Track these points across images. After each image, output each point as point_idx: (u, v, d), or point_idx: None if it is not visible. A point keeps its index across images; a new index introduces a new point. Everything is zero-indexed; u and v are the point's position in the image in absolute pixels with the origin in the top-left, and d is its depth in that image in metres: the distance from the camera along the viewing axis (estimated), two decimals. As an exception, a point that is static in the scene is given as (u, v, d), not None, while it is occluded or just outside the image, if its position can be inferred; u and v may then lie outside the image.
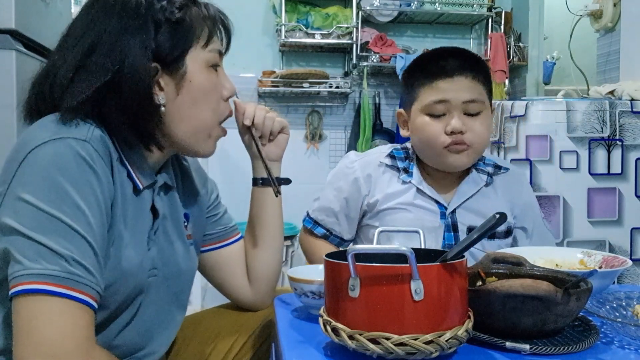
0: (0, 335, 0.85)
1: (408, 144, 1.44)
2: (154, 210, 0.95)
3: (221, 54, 0.99)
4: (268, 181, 1.15)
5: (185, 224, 1.05)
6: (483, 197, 1.38)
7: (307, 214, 1.48)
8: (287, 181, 1.18)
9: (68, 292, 0.75)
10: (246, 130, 1.13)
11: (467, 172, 1.39)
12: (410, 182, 1.37)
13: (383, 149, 1.45)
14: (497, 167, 1.42)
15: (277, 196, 1.14)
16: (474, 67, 1.31)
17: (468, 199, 1.36)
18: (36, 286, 0.74)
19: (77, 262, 0.76)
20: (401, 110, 1.42)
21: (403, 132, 1.42)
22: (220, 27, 0.98)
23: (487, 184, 1.39)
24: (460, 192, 1.37)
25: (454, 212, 1.35)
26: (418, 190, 1.36)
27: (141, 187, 0.91)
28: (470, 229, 1.34)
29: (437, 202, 1.36)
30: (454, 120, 1.28)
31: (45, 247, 0.75)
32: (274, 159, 1.17)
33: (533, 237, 1.44)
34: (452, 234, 1.35)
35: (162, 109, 0.90)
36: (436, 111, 1.30)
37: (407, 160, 1.41)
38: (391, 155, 1.41)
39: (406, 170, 1.39)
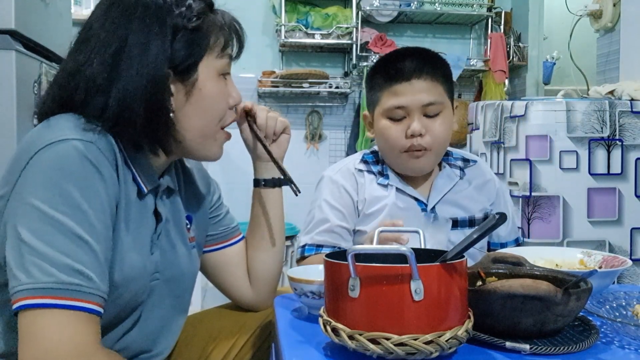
0: (0, 339, 0.86)
1: (376, 147, 1.46)
2: (156, 214, 0.95)
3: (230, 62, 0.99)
4: (271, 182, 1.15)
5: (188, 226, 1.05)
6: (459, 190, 1.41)
7: (304, 245, 1.40)
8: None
9: (64, 302, 0.75)
10: (248, 130, 1.12)
11: (439, 167, 1.43)
12: (388, 183, 1.39)
13: (353, 157, 1.47)
14: (466, 161, 1.46)
15: (297, 195, 1.14)
16: (432, 67, 1.33)
17: (446, 193, 1.39)
18: (33, 301, 0.74)
19: (74, 270, 0.76)
20: (366, 112, 1.44)
21: (368, 134, 1.45)
22: (234, 36, 0.98)
23: (460, 178, 1.42)
24: (437, 187, 1.40)
25: (433, 207, 1.38)
26: (397, 189, 1.38)
27: (145, 190, 0.91)
28: (451, 222, 1.37)
29: (416, 199, 1.38)
30: (414, 124, 1.31)
31: (42, 255, 0.75)
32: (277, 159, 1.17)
33: (509, 221, 1.49)
34: None
35: (171, 114, 0.90)
36: (396, 115, 1.33)
37: (379, 164, 1.43)
38: (364, 161, 1.44)
39: (381, 173, 1.41)
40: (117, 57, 0.85)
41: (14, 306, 0.75)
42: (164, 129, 0.89)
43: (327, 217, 1.38)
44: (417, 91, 1.31)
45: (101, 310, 0.79)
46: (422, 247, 0.93)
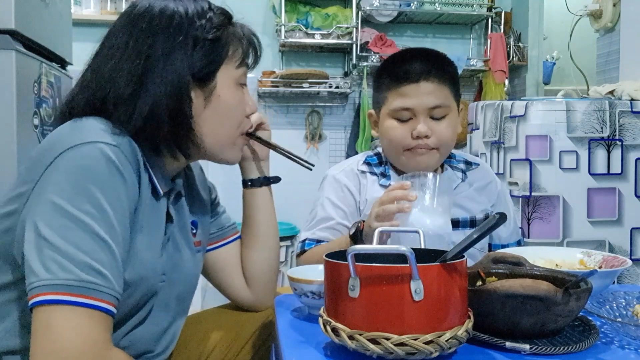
0: (16, 336, 0.86)
1: (379, 148, 1.46)
2: (168, 216, 0.96)
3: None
4: (257, 182, 1.17)
5: (194, 231, 1.07)
6: (460, 192, 1.42)
7: (305, 239, 1.41)
8: (277, 179, 1.20)
9: (81, 300, 0.75)
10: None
11: (441, 169, 1.43)
12: (390, 184, 1.38)
13: (356, 158, 1.48)
14: (468, 163, 1.47)
15: (310, 169, 1.18)
16: (439, 69, 1.33)
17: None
18: (50, 297, 0.74)
19: (93, 269, 0.76)
20: (372, 111, 1.45)
21: (373, 133, 1.46)
22: (251, 47, 1.01)
23: (462, 180, 1.43)
24: None
25: None
26: None
27: (161, 193, 0.93)
28: (452, 222, 1.35)
29: None
30: (420, 126, 1.31)
31: (62, 252, 0.75)
32: (263, 158, 1.18)
33: (510, 222, 1.50)
34: None
35: (191, 120, 0.93)
36: (402, 116, 1.34)
37: (381, 165, 1.43)
38: (367, 163, 1.44)
39: (383, 175, 1.41)
40: (145, 66, 0.89)
41: (31, 302, 0.75)
42: (185, 133, 0.92)
43: (329, 215, 1.40)
44: (424, 94, 1.31)
45: (115, 311, 0.79)
46: (422, 247, 0.93)
